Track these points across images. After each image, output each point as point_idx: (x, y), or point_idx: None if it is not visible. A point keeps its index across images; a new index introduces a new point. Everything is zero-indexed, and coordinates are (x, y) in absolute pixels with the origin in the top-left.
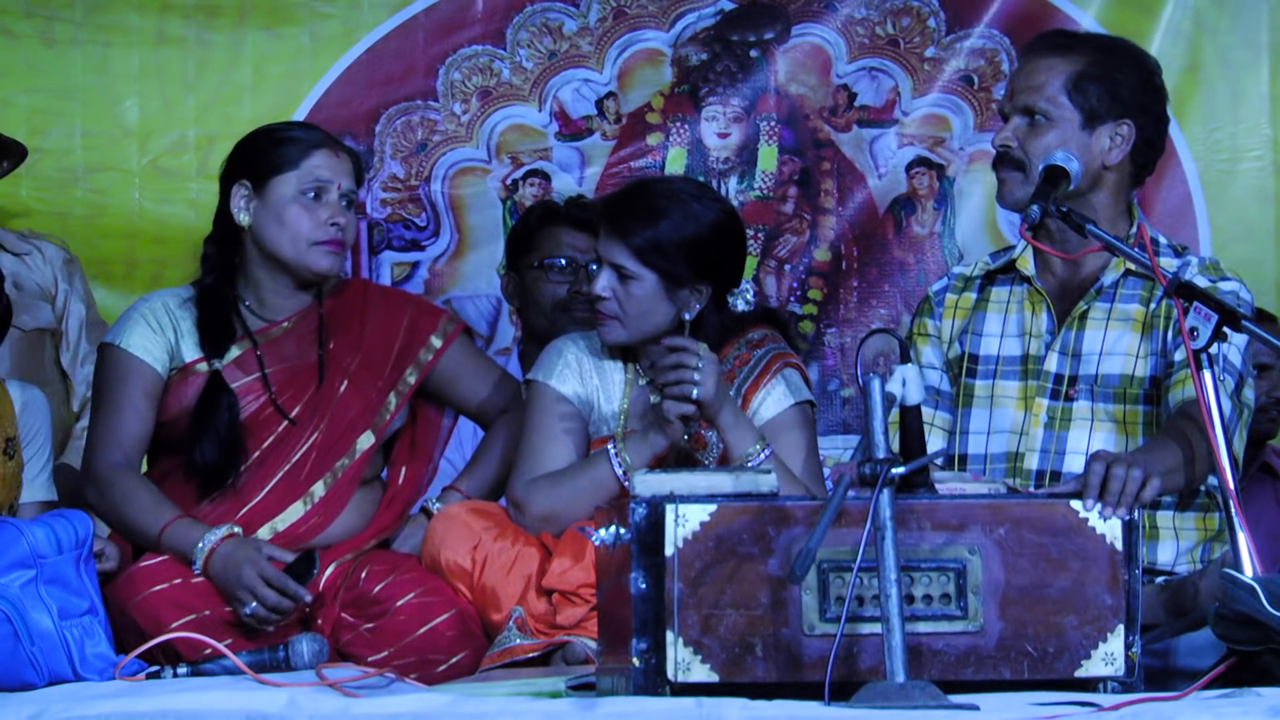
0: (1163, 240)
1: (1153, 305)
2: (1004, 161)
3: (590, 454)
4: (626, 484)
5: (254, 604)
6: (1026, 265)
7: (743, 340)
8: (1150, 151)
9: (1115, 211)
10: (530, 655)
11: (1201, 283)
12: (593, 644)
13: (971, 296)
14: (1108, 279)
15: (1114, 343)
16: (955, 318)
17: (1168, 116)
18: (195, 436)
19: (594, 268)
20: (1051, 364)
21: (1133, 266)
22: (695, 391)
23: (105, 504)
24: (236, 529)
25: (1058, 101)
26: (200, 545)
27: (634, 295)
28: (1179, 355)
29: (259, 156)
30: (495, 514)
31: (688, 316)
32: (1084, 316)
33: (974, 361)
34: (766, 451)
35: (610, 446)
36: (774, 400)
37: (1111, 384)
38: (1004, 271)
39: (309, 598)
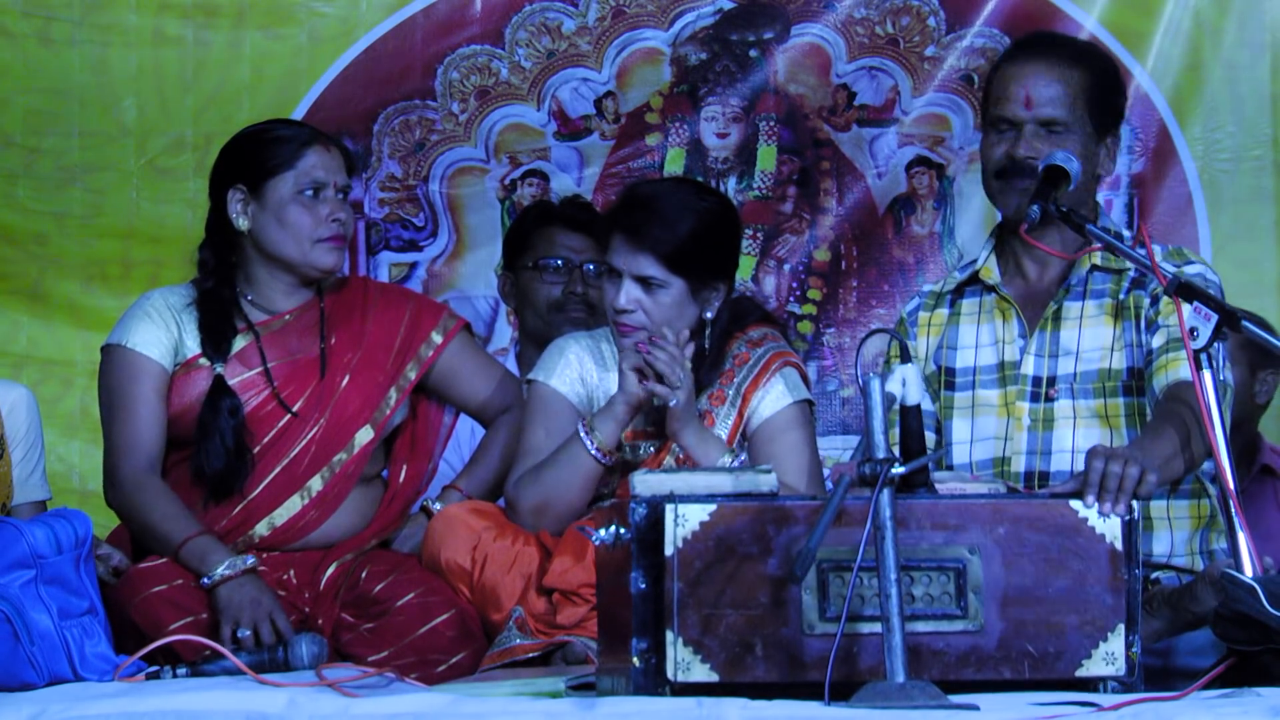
0: (1126, 234)
1: (1121, 296)
2: (1023, 172)
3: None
4: (604, 459)
5: (249, 632)
6: (990, 275)
7: (742, 339)
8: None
9: (1088, 212)
10: (530, 655)
11: (1167, 269)
12: (593, 644)
13: (944, 312)
14: (1075, 276)
15: (1089, 338)
16: (930, 335)
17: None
18: (201, 445)
19: (589, 269)
20: (1029, 367)
21: (1098, 261)
22: (671, 400)
23: (130, 508)
24: (251, 562)
25: (1077, 113)
26: (222, 567)
27: (662, 303)
28: (1156, 342)
29: (251, 159)
30: (494, 514)
31: (709, 315)
32: (1056, 316)
33: (951, 375)
34: (740, 458)
35: (580, 425)
36: (773, 399)
37: (1090, 379)
38: (971, 283)
39: (279, 657)
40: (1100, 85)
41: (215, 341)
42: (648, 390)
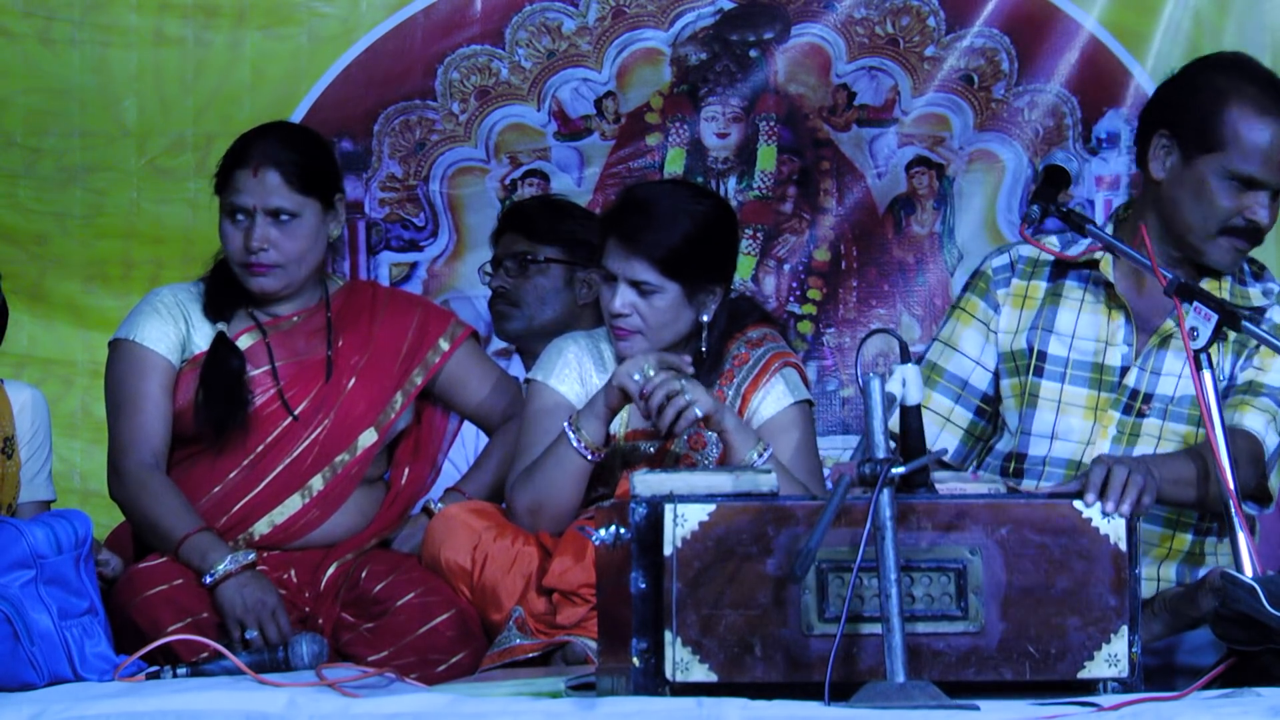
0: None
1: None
2: (1246, 233)
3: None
4: (591, 457)
5: (257, 633)
6: (1109, 270)
7: (742, 339)
8: None
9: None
10: (530, 655)
11: (1269, 302)
12: (593, 644)
13: (1042, 285)
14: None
15: None
16: (1024, 308)
17: None
18: (203, 392)
19: (533, 263)
20: (1131, 379)
21: (1225, 293)
22: (698, 410)
23: (133, 502)
24: (252, 557)
25: None
26: (224, 564)
27: (657, 307)
28: (1240, 379)
29: (220, 168)
30: (494, 514)
31: (705, 318)
32: (1169, 337)
33: (1041, 359)
34: (767, 453)
35: (566, 424)
36: (773, 399)
37: (1186, 404)
38: (1077, 266)
39: (279, 657)
40: None
41: (218, 306)
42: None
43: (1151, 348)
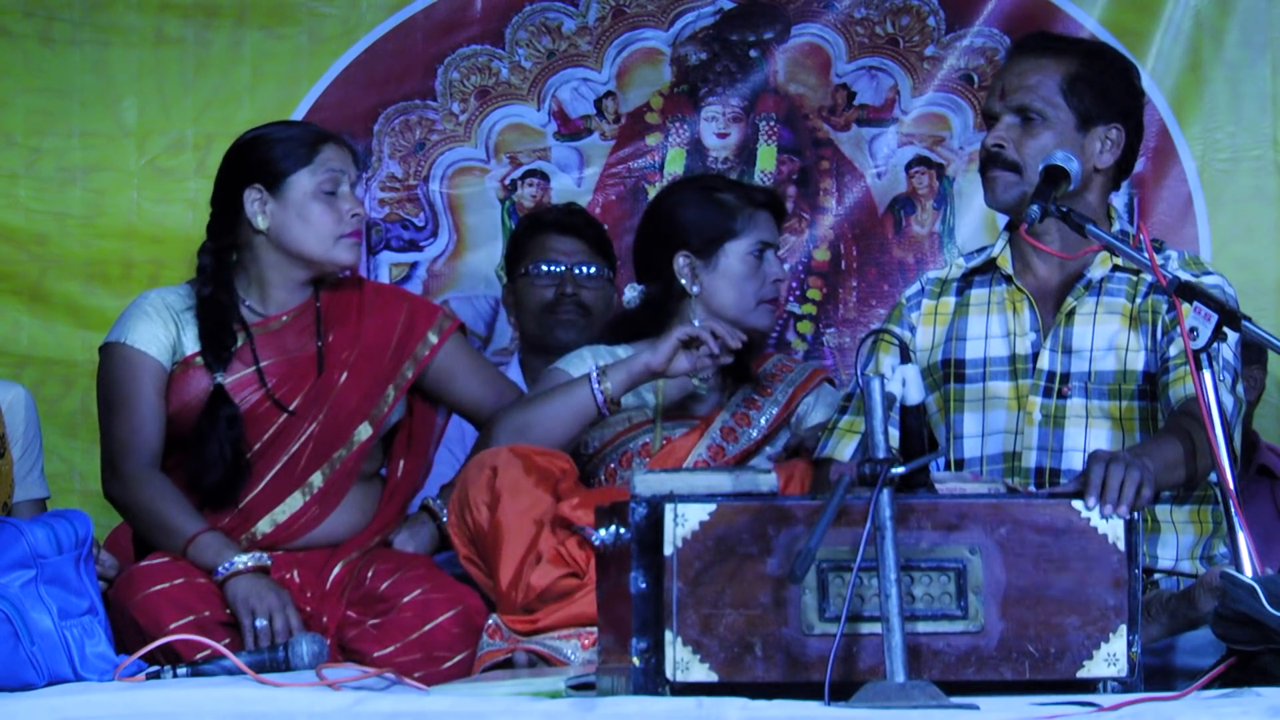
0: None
1: (1139, 300)
2: (996, 162)
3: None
4: (602, 407)
5: (266, 622)
6: (1007, 264)
7: (779, 355)
8: (1131, 156)
9: (1100, 213)
10: (496, 661)
11: (1184, 278)
12: (559, 645)
13: (951, 301)
14: (1095, 275)
15: (1105, 338)
16: (936, 324)
17: (1144, 123)
18: (197, 453)
19: (579, 271)
20: (1044, 361)
21: (1120, 262)
22: (706, 374)
23: (135, 502)
24: (267, 561)
25: (1054, 102)
26: (241, 559)
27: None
28: (1173, 350)
29: (268, 157)
30: (528, 456)
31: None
32: (1072, 313)
33: (960, 367)
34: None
35: (593, 369)
36: (822, 408)
37: (1106, 380)
38: (981, 271)
39: (279, 657)
40: (1082, 76)
41: (215, 349)
42: (692, 363)
43: (1058, 326)
